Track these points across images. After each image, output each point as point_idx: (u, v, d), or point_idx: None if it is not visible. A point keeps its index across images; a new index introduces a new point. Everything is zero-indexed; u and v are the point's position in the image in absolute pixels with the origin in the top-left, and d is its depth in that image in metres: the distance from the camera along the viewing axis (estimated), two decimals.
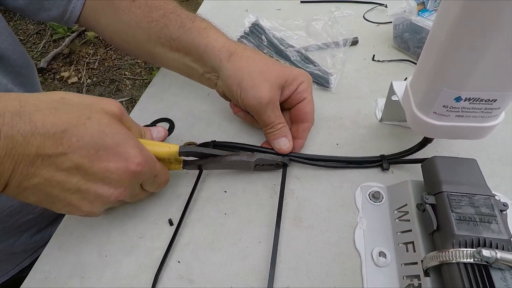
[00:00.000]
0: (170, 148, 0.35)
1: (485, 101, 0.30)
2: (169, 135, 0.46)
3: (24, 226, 0.50)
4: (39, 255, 0.36)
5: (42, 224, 0.53)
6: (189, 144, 0.44)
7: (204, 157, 0.38)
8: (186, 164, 0.38)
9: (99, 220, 0.38)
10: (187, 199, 0.38)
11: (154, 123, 0.48)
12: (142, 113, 0.50)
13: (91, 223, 0.38)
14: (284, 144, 0.40)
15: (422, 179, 0.35)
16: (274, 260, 0.33)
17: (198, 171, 0.40)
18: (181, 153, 0.36)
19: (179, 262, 0.35)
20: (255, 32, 0.61)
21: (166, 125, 0.48)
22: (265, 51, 0.57)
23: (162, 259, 0.34)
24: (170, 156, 0.36)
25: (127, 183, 0.31)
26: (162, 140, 0.40)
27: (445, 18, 0.28)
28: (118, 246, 0.36)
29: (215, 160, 0.38)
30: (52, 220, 0.55)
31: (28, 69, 0.49)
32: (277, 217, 0.36)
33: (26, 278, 0.34)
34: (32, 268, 0.35)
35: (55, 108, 0.27)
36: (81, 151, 0.27)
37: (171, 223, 0.37)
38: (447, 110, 0.31)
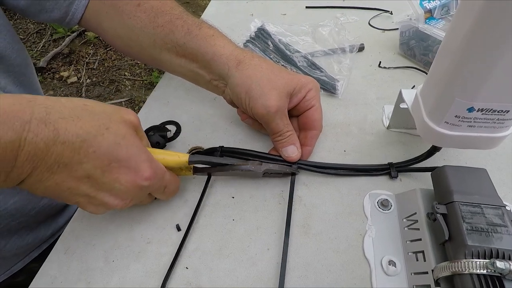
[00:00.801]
0: (180, 157, 0.35)
1: (498, 112, 0.30)
2: (175, 138, 0.46)
3: (14, 227, 0.49)
4: (32, 259, 0.36)
5: (34, 224, 0.52)
6: (196, 148, 0.44)
7: (213, 166, 0.38)
8: (196, 171, 0.38)
9: (106, 225, 0.38)
10: (195, 205, 0.38)
11: (162, 125, 0.48)
12: (148, 115, 0.49)
13: (98, 227, 0.38)
14: (292, 152, 0.40)
15: (431, 187, 0.35)
16: (284, 269, 0.33)
17: (206, 176, 0.40)
18: (190, 162, 0.36)
19: (187, 268, 0.34)
20: (261, 37, 0.61)
21: (173, 128, 0.47)
22: (271, 56, 0.57)
23: (170, 265, 0.34)
24: (179, 165, 0.36)
25: (133, 195, 0.32)
26: None
27: (459, 28, 0.28)
28: (125, 251, 0.36)
29: (224, 168, 0.38)
30: (42, 220, 0.54)
31: (28, 68, 0.49)
32: (286, 225, 0.36)
33: (32, 282, 0.34)
34: (38, 272, 0.35)
35: (77, 116, 0.28)
36: (95, 162, 0.28)
37: (178, 228, 0.37)
38: (459, 120, 0.31)
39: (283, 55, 0.57)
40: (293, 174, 0.40)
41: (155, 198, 0.37)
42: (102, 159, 0.28)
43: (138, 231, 0.37)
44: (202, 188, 0.40)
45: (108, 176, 0.29)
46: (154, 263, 0.35)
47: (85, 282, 0.34)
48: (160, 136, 0.45)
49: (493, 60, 0.26)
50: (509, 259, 0.26)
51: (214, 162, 0.38)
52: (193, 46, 0.40)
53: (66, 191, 0.29)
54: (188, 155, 0.36)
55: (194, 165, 0.38)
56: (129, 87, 2.00)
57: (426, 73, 0.54)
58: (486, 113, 0.30)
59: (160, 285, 0.33)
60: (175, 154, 0.35)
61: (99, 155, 0.28)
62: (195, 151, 0.44)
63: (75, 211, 0.40)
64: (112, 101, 1.90)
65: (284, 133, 0.39)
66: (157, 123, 0.48)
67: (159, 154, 0.34)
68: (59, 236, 0.58)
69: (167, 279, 0.33)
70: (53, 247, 0.37)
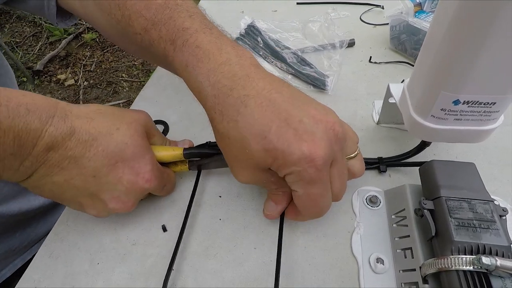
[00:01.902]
0: (175, 150, 0.36)
1: (484, 104, 0.29)
2: None
3: None
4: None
5: (17, 228, 0.52)
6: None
7: (206, 157, 0.38)
8: (191, 165, 0.39)
9: (91, 227, 0.37)
10: (182, 205, 0.38)
11: None
12: None
13: (83, 230, 0.37)
14: (269, 209, 0.34)
15: (420, 183, 0.35)
16: (278, 270, 0.31)
17: (194, 176, 0.40)
18: (185, 155, 0.36)
19: (173, 269, 0.34)
20: (251, 33, 0.60)
21: (161, 128, 0.47)
22: (261, 53, 0.57)
23: (168, 268, 0.32)
24: (175, 159, 0.37)
25: (134, 197, 0.33)
26: None
27: (442, 20, 0.27)
28: (110, 254, 0.35)
29: (218, 158, 0.38)
30: (22, 225, 0.53)
31: (7, 76, 0.48)
32: (279, 228, 0.34)
33: (16, 286, 0.34)
34: (22, 276, 0.34)
35: (91, 118, 0.31)
36: (103, 160, 0.30)
37: (164, 229, 0.37)
38: (445, 114, 0.31)
39: (272, 52, 0.56)
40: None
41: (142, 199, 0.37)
42: (109, 158, 0.30)
43: (124, 233, 0.37)
44: (190, 188, 0.39)
45: (112, 175, 0.31)
46: (140, 265, 0.34)
47: (70, 286, 0.33)
48: None
49: (476, 51, 0.26)
50: (496, 255, 0.26)
51: (206, 152, 0.38)
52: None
53: (72, 189, 0.31)
54: (182, 148, 0.37)
55: (188, 159, 0.38)
56: (127, 88, 2.00)
57: None
58: (472, 105, 0.29)
59: (146, 286, 0.32)
60: (170, 149, 0.36)
61: (107, 154, 0.30)
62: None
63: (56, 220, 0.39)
64: (110, 103, 1.89)
65: (269, 189, 0.33)
66: None
67: (156, 150, 0.35)
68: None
69: (167, 282, 0.31)
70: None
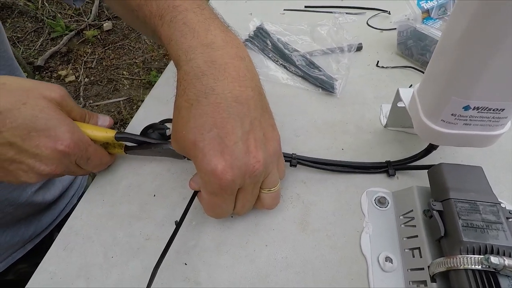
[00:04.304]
0: (107, 133, 0.37)
1: (493, 110, 0.30)
2: None
3: None
4: (18, 260, 0.36)
5: (11, 222, 0.52)
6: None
7: (139, 144, 0.40)
8: (128, 149, 0.40)
9: (105, 221, 0.38)
10: (195, 201, 0.38)
11: (161, 123, 0.48)
12: (147, 114, 0.50)
13: (97, 224, 0.38)
14: (193, 178, 0.35)
15: (427, 185, 0.36)
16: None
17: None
18: (117, 138, 0.38)
19: (186, 264, 0.35)
20: (260, 36, 0.61)
21: (170, 126, 0.48)
22: (270, 55, 0.58)
23: (162, 252, 0.32)
24: (107, 140, 0.38)
25: (58, 161, 0.33)
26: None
27: (455, 28, 0.29)
28: (124, 248, 0.36)
29: (148, 147, 0.39)
30: (22, 218, 0.53)
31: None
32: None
33: (31, 279, 0.34)
34: (37, 269, 0.35)
35: None
36: (14, 131, 0.31)
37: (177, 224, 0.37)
38: (455, 119, 0.32)
39: (281, 54, 0.57)
40: None
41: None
42: (20, 129, 0.31)
43: (137, 228, 0.37)
44: None
45: (29, 143, 0.31)
46: (153, 259, 0.35)
47: (84, 278, 0.34)
48: (158, 133, 0.45)
49: (488, 60, 0.27)
50: (504, 255, 0.27)
51: (138, 140, 0.39)
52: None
53: None
54: (115, 131, 0.38)
55: (124, 142, 0.39)
56: (127, 86, 2.00)
57: (423, 73, 0.55)
58: (482, 111, 0.30)
59: (160, 281, 0.33)
60: (104, 130, 0.38)
61: (16, 126, 0.30)
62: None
63: (61, 211, 0.40)
64: (110, 100, 1.90)
65: None
66: (156, 121, 0.48)
67: (87, 129, 0.36)
68: (45, 237, 0.57)
69: (158, 266, 0.32)
70: (38, 247, 0.37)
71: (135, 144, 0.41)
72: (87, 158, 0.36)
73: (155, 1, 0.33)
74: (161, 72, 0.57)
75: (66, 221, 0.39)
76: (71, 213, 0.39)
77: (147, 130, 0.46)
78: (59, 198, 0.59)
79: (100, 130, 0.37)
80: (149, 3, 0.33)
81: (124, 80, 2.02)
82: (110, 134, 0.37)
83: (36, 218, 0.56)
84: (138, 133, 0.46)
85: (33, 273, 0.35)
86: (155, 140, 0.39)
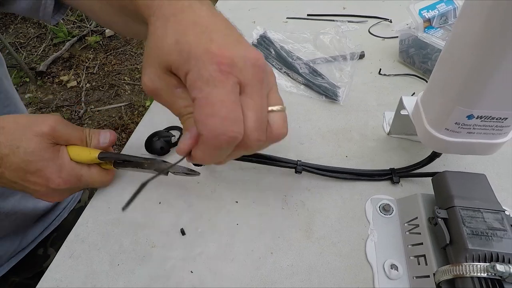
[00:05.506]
0: (91, 153, 0.38)
1: (496, 119, 0.31)
2: None
3: None
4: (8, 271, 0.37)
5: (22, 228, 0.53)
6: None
7: (122, 161, 0.40)
8: (117, 165, 0.40)
9: (111, 228, 0.38)
10: (199, 209, 0.39)
11: (166, 130, 0.48)
12: (152, 121, 0.50)
13: (103, 232, 0.38)
14: (182, 140, 0.28)
15: (431, 192, 0.36)
16: None
17: (212, 183, 0.41)
18: (100, 158, 0.38)
19: (192, 272, 0.35)
20: (264, 44, 0.62)
21: (177, 134, 0.48)
22: (273, 63, 0.58)
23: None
24: (93, 161, 0.38)
25: (56, 193, 0.38)
26: (111, 144, 0.41)
27: (459, 39, 0.29)
28: (130, 255, 0.36)
29: (131, 165, 0.40)
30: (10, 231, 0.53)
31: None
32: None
33: (37, 286, 0.34)
34: (43, 276, 0.35)
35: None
36: (13, 173, 0.35)
37: (183, 232, 0.38)
38: (459, 127, 0.32)
39: (285, 62, 0.58)
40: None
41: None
42: (17, 171, 0.35)
43: (143, 235, 0.38)
44: (208, 193, 0.40)
45: (27, 182, 0.36)
46: (159, 267, 0.35)
47: (91, 286, 0.34)
48: (164, 141, 0.45)
49: (493, 70, 0.27)
50: (509, 263, 0.27)
51: (120, 159, 0.40)
52: None
53: (7, 184, 0.36)
54: (99, 151, 0.38)
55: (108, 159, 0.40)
56: (129, 91, 2.01)
57: (426, 80, 0.55)
58: (485, 120, 0.31)
59: None
60: (87, 151, 0.38)
61: (14, 169, 0.35)
62: None
63: (49, 224, 0.41)
64: (112, 105, 1.90)
65: (178, 111, 0.30)
66: (161, 128, 0.49)
67: (72, 152, 0.37)
68: (34, 247, 0.57)
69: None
70: (25, 259, 0.38)
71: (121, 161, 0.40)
72: (85, 184, 0.39)
73: None
74: None
75: (53, 235, 0.40)
76: (60, 227, 0.40)
77: (152, 137, 0.46)
78: (51, 210, 0.59)
79: (84, 151, 0.38)
80: None
81: (126, 86, 2.03)
82: (94, 154, 0.38)
83: (22, 231, 0.55)
84: (144, 140, 0.47)
85: (27, 285, 0.35)
86: (138, 158, 0.40)
